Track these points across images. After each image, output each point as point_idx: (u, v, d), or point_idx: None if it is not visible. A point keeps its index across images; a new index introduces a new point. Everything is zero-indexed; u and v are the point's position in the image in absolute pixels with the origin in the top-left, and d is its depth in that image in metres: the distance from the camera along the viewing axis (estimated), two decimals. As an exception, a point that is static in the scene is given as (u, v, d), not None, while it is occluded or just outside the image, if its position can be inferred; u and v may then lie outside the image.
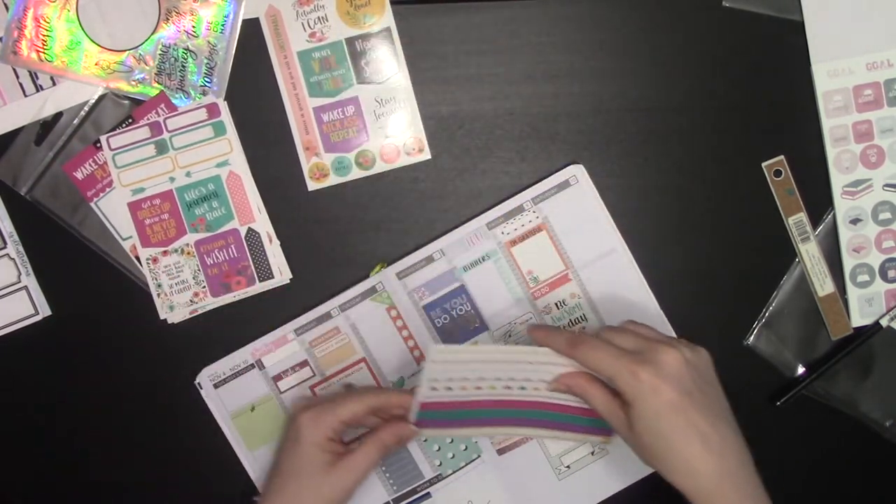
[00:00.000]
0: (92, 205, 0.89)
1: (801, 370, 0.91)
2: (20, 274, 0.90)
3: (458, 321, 0.90)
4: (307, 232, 0.91)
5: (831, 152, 0.88)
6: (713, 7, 0.88)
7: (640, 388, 0.72)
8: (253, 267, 0.89)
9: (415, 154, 0.89)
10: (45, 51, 0.88)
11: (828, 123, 0.88)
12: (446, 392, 0.80)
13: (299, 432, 0.79)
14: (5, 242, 0.90)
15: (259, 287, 0.90)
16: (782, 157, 0.89)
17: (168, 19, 0.88)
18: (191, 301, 0.89)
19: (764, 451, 0.92)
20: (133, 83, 0.88)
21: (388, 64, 0.88)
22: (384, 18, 0.88)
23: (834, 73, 0.87)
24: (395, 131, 0.89)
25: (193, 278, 0.89)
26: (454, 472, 0.91)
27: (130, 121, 0.88)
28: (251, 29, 0.88)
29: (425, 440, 0.90)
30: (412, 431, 0.80)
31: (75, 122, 0.89)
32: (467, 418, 0.81)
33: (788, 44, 0.88)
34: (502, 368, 0.80)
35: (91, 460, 0.94)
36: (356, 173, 0.90)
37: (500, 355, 0.80)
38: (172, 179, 0.89)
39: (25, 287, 0.91)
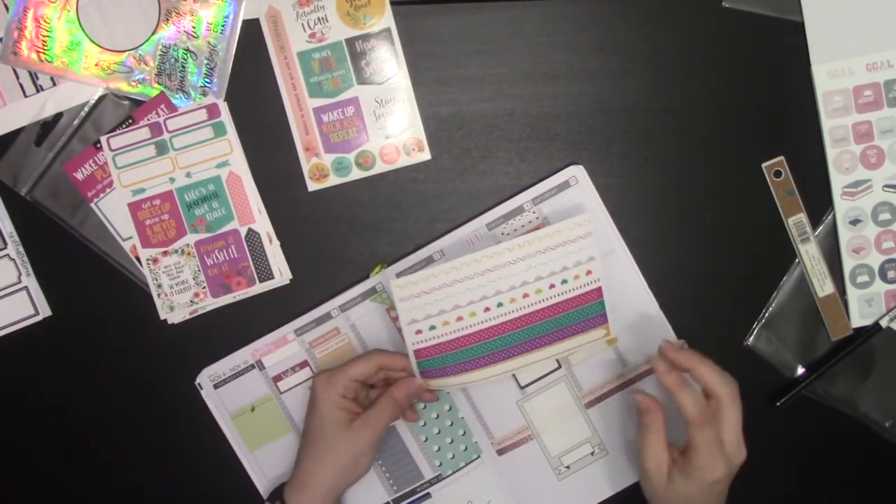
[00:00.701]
0: (92, 205, 0.89)
1: (800, 371, 0.91)
2: (20, 274, 0.90)
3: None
4: (307, 232, 0.91)
5: (831, 153, 0.88)
6: (713, 7, 0.88)
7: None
8: (253, 267, 0.89)
9: (415, 154, 0.89)
10: (46, 51, 0.88)
11: (828, 124, 0.88)
12: (431, 333, 0.81)
13: (315, 394, 0.83)
14: (5, 243, 0.90)
15: (259, 287, 0.90)
16: (782, 157, 0.89)
17: (168, 20, 0.88)
18: (191, 301, 0.89)
19: (764, 452, 0.92)
20: (133, 84, 0.88)
21: (388, 64, 0.88)
22: (384, 19, 0.88)
23: (834, 74, 0.87)
24: (394, 132, 0.89)
25: (193, 279, 0.89)
26: (454, 472, 0.91)
27: (130, 121, 0.88)
28: (251, 29, 0.88)
29: (425, 438, 0.90)
30: (419, 384, 0.84)
31: (75, 122, 0.89)
32: (464, 360, 0.83)
33: (788, 44, 0.88)
34: (469, 287, 0.81)
35: (91, 460, 0.94)
36: (356, 174, 0.90)
37: (460, 272, 0.81)
38: (172, 180, 0.89)
39: (26, 287, 0.91)
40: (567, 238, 0.82)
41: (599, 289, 0.84)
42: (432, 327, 0.82)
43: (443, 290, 0.82)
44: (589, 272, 0.83)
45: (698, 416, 0.78)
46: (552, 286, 0.82)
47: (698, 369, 0.79)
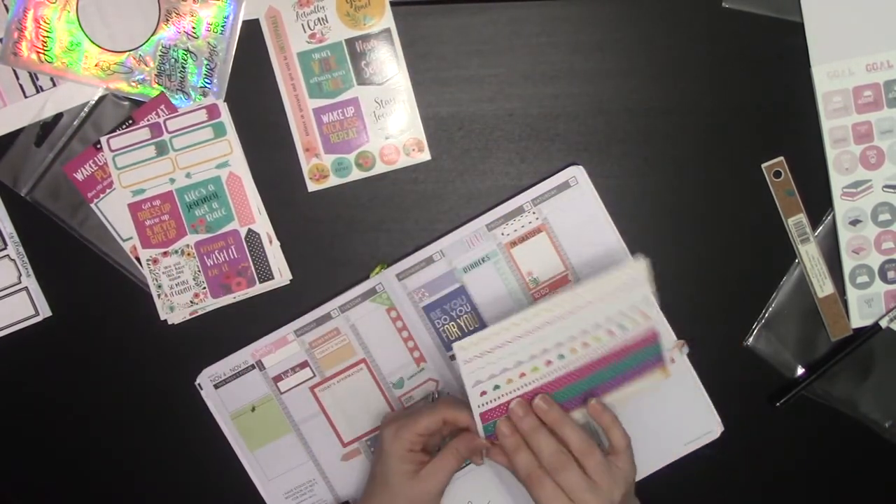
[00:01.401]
0: (92, 206, 0.89)
1: (800, 371, 0.91)
2: (20, 275, 0.90)
3: (457, 322, 0.90)
4: (307, 233, 0.91)
5: (831, 153, 0.88)
6: (713, 7, 0.88)
7: None
8: (253, 268, 0.89)
9: (415, 155, 0.89)
10: (46, 52, 0.88)
11: (827, 124, 0.88)
12: (495, 393, 0.81)
13: (384, 445, 0.84)
14: (5, 243, 0.90)
15: (259, 288, 0.90)
16: (782, 158, 0.89)
17: (168, 20, 0.88)
18: (191, 302, 0.89)
19: (764, 452, 0.93)
20: (133, 84, 0.88)
21: (388, 65, 0.88)
22: (384, 19, 0.88)
23: (834, 75, 0.87)
24: (394, 132, 0.89)
25: (194, 279, 0.89)
26: (454, 472, 0.91)
27: (130, 122, 0.88)
28: (251, 30, 0.88)
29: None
30: (481, 443, 0.84)
31: (75, 123, 0.89)
32: None
33: (788, 44, 0.88)
34: (531, 341, 0.80)
35: (91, 460, 0.94)
36: (356, 174, 0.90)
37: (520, 327, 0.80)
38: (172, 180, 0.89)
39: (26, 288, 0.91)
40: (622, 281, 0.81)
41: (656, 333, 0.83)
42: (496, 387, 0.81)
43: (505, 348, 0.80)
44: (644, 314, 0.82)
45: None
46: (611, 332, 0.81)
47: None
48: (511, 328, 0.80)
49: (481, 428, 0.82)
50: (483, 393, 0.80)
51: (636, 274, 0.81)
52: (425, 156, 0.90)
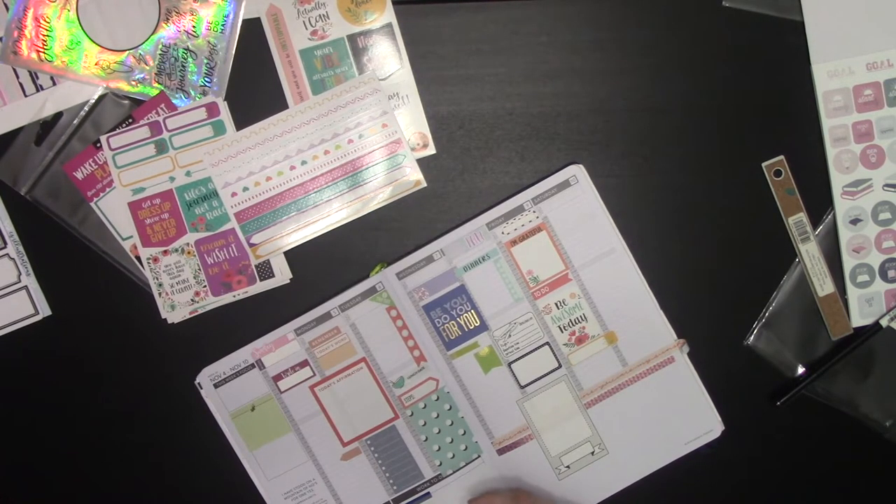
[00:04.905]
0: (92, 205, 0.89)
1: (801, 370, 0.91)
2: (20, 274, 0.90)
3: (457, 321, 0.90)
4: (307, 232, 0.91)
5: (831, 152, 0.88)
6: (713, 7, 0.88)
7: None
8: (253, 266, 0.89)
9: (420, 150, 0.89)
10: (46, 51, 0.88)
11: (828, 123, 0.88)
12: (245, 194, 0.85)
13: None
14: (5, 242, 0.90)
15: (259, 286, 0.90)
16: (782, 157, 0.89)
17: (168, 19, 0.88)
18: (192, 300, 0.89)
19: (764, 451, 0.93)
20: (133, 83, 0.88)
21: (391, 60, 0.89)
22: (385, 14, 0.88)
23: (834, 73, 0.87)
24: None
25: (194, 277, 0.89)
26: (454, 471, 0.91)
27: (130, 121, 0.88)
28: (252, 28, 0.88)
29: (425, 438, 0.90)
30: None
31: (75, 122, 0.89)
32: (281, 218, 0.86)
33: (788, 44, 0.88)
34: (272, 147, 0.85)
35: (91, 460, 0.94)
36: (356, 173, 0.90)
37: (259, 135, 0.87)
38: (172, 179, 0.88)
39: (25, 287, 0.91)
40: (355, 96, 0.86)
41: (399, 141, 0.87)
42: (245, 188, 0.85)
43: (247, 153, 0.85)
44: (384, 126, 0.87)
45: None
46: (350, 141, 0.86)
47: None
48: (251, 136, 0.85)
49: (240, 229, 0.86)
50: (234, 194, 0.85)
51: (366, 86, 0.86)
52: (430, 150, 0.89)
